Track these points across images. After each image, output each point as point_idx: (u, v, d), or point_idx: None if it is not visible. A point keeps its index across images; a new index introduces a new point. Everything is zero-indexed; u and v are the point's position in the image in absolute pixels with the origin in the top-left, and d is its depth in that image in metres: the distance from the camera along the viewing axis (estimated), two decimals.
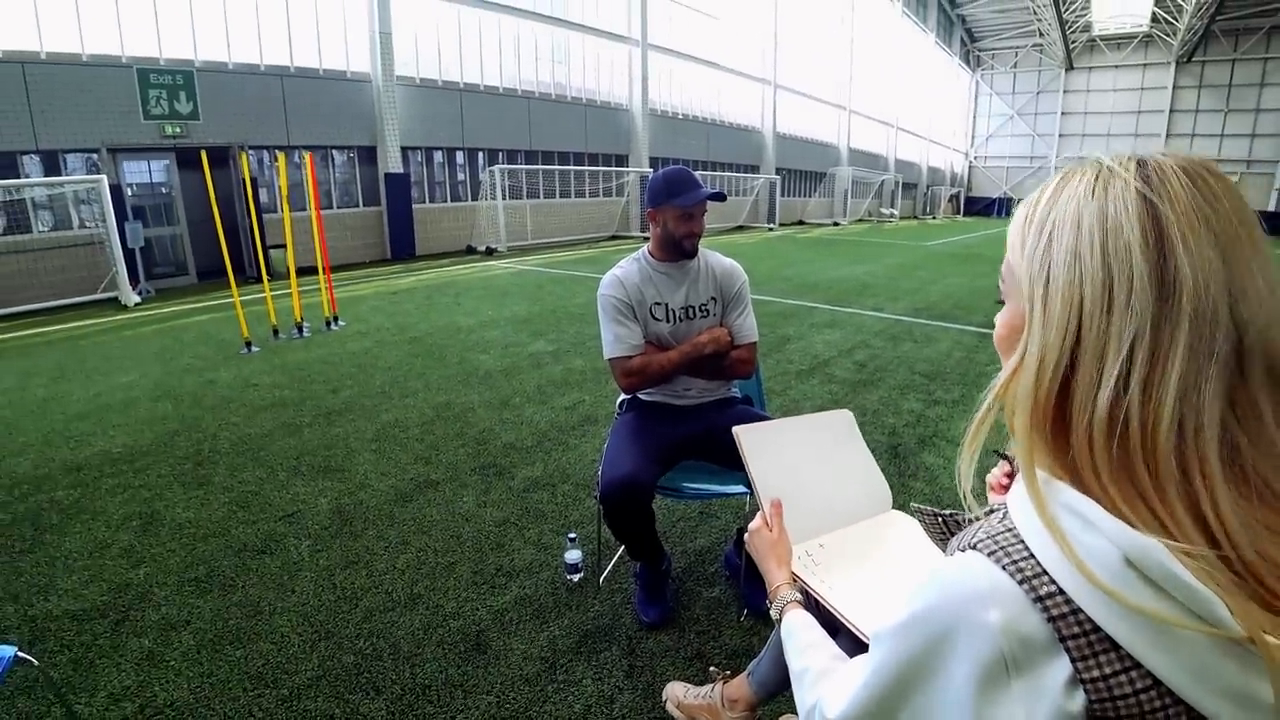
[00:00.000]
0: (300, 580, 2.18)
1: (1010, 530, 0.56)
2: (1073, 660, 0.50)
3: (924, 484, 3.11)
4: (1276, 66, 30.04)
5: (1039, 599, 0.51)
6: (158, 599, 2.10)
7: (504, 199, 12.93)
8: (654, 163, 17.04)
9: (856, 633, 0.95)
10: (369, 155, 11.84)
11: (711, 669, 1.58)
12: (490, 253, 12.46)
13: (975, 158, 40.58)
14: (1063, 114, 36.07)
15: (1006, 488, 1.09)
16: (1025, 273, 0.56)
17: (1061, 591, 0.51)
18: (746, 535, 1.08)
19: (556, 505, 2.73)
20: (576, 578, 2.20)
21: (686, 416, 2.09)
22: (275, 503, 2.73)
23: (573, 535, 2.22)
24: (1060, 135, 36.30)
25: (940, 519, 0.75)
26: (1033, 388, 0.54)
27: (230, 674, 1.77)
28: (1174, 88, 32.62)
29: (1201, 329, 0.48)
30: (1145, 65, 33.25)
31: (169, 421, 3.70)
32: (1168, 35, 30.81)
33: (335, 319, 6.08)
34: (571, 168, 15.40)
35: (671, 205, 1.97)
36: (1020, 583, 0.52)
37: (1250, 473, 0.49)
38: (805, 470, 1.24)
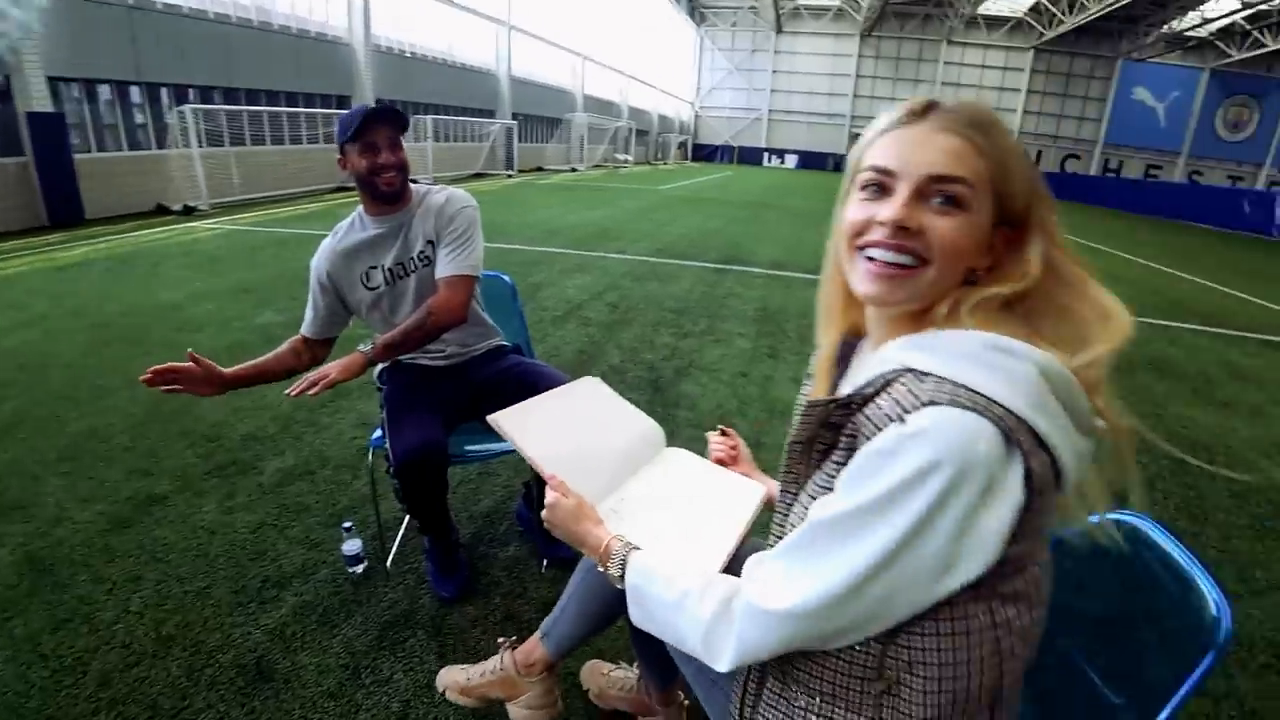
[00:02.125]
0: None
1: (943, 380, 0.66)
2: (1026, 462, 0.64)
3: (687, 411, 3.39)
4: (929, 46, 37.31)
5: (996, 421, 0.63)
6: None
7: (201, 146, 10.83)
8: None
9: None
10: None
11: (499, 639, 1.49)
12: (190, 212, 10.45)
13: (700, 108, 43.68)
14: (774, 72, 40.27)
15: (731, 458, 1.26)
16: (1027, 192, 0.75)
17: (1008, 410, 0.63)
18: (545, 513, 1.04)
19: (320, 495, 2.47)
20: (360, 569, 2.03)
21: (453, 377, 1.97)
22: None
23: (348, 524, 2.02)
24: (772, 91, 40.62)
25: (831, 404, 0.74)
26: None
27: None
28: (859, 56, 38.58)
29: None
30: (837, 35, 38.61)
31: None
32: (854, 10, 36.10)
33: None
34: (284, 109, 13.33)
35: (348, 143, 1.75)
36: (981, 414, 0.63)
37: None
38: (575, 435, 1.24)
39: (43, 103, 9.21)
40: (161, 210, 10.57)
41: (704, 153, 43.22)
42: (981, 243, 0.73)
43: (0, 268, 6.46)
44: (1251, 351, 5.53)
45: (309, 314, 1.94)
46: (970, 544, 0.65)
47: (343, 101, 15.12)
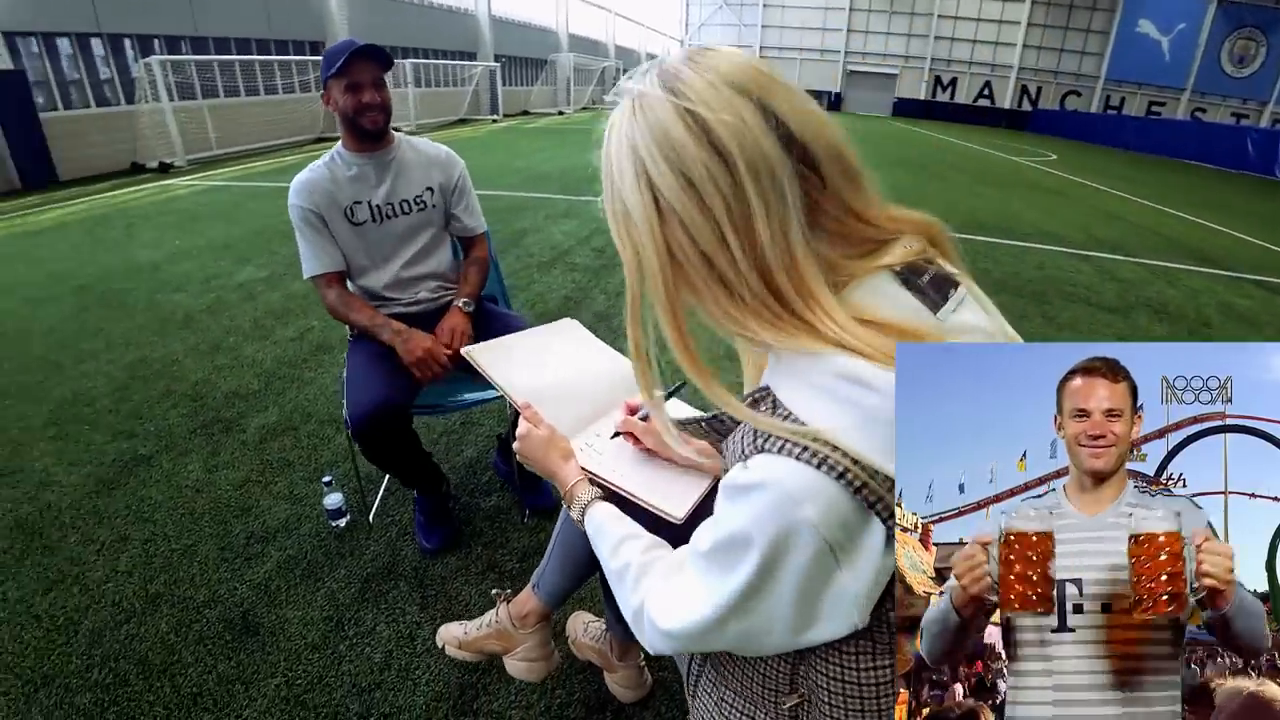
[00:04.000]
0: None
1: (789, 418, 0.58)
2: (883, 521, 0.56)
3: (670, 365, 3.38)
4: None
5: (840, 476, 0.54)
6: None
7: (172, 99, 10.47)
8: None
9: (662, 515, 0.96)
10: None
11: (493, 591, 1.50)
12: (166, 169, 10.20)
13: (690, 45, 42.26)
14: (765, 6, 38.73)
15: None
16: (635, 211, 0.62)
17: (856, 461, 0.54)
18: (516, 444, 1.04)
19: (303, 450, 2.50)
20: (342, 522, 2.06)
21: (427, 324, 1.95)
22: None
23: (328, 479, 2.05)
24: (763, 26, 39.14)
25: (702, 424, 0.78)
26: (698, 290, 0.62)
27: None
28: None
29: (761, 177, 0.56)
30: None
31: None
32: None
33: None
34: (256, 57, 12.85)
35: (333, 79, 1.76)
36: (818, 466, 0.55)
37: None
38: (551, 371, 1.24)
39: (0, 60, 8.84)
40: (137, 169, 10.32)
41: None
42: None
43: None
44: (1249, 293, 5.46)
45: (323, 251, 1.87)
46: (826, 606, 0.61)
47: (316, 48, 14.57)
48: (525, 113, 23.56)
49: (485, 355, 1.20)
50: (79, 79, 10.39)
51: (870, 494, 0.55)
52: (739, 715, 0.80)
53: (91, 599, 1.80)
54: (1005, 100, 36.04)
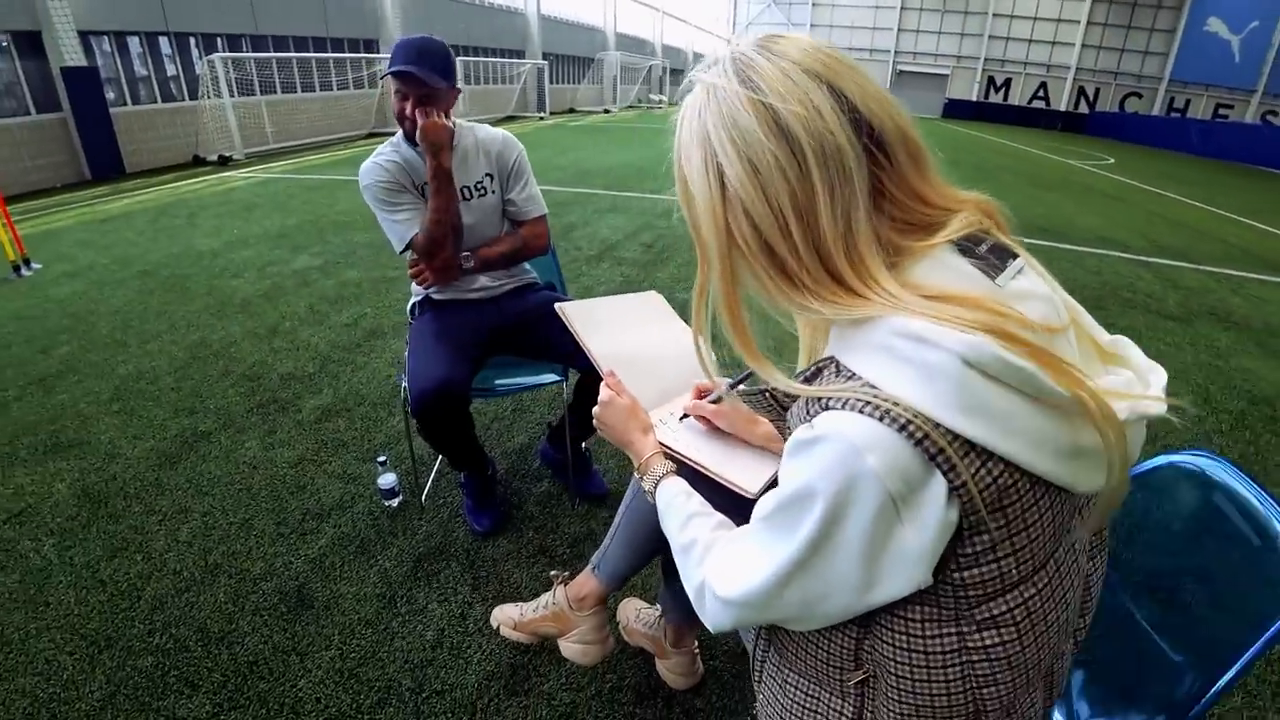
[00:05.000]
0: (53, 588, 1.78)
1: (851, 378, 0.60)
2: (944, 473, 0.55)
3: (726, 352, 3.34)
4: None
5: (902, 428, 0.55)
6: None
7: (232, 95, 10.83)
8: None
9: (737, 490, 0.95)
10: (32, 44, 9.12)
11: (550, 573, 1.47)
12: (225, 162, 10.55)
13: (759, 33, 41.77)
14: (814, 5, 38.15)
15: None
16: (700, 197, 0.63)
17: (919, 414, 0.55)
18: (597, 409, 1.02)
19: (356, 431, 2.53)
20: (395, 502, 2.08)
21: (485, 309, 1.97)
22: None
23: (382, 459, 2.06)
24: (812, 25, 38.48)
25: (768, 394, 0.77)
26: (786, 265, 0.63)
27: None
28: None
29: (829, 164, 0.57)
30: None
31: None
32: None
33: (26, 262, 4.83)
34: (312, 55, 13.20)
35: (389, 76, 1.78)
36: (881, 419, 0.55)
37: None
38: (637, 340, 1.21)
39: (75, 57, 9.24)
40: (198, 161, 10.70)
41: None
42: None
43: (49, 222, 6.65)
44: None
45: (409, 212, 1.85)
46: (889, 564, 0.59)
47: (370, 45, 14.90)
48: (572, 110, 23.73)
49: (577, 315, 1.18)
50: (147, 76, 10.82)
51: (931, 445, 0.54)
52: (804, 696, 0.78)
53: (153, 567, 1.85)
54: (1061, 102, 34.77)
